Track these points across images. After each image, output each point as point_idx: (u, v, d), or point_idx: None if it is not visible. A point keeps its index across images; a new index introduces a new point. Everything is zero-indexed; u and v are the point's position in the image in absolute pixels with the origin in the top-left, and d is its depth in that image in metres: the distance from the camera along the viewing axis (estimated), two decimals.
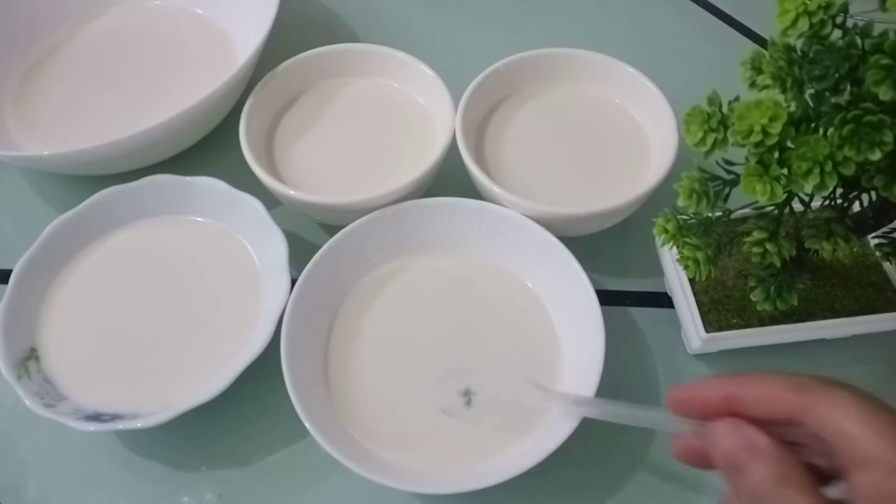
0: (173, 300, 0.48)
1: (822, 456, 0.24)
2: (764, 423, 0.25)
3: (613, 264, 0.51)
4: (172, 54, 0.62)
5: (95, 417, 0.42)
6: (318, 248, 0.45)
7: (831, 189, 0.32)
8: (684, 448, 0.28)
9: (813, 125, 0.31)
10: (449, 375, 0.44)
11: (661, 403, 0.45)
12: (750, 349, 0.44)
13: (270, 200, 0.49)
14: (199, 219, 0.51)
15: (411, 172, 0.47)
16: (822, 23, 0.29)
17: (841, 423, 0.22)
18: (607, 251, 0.51)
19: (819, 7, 0.29)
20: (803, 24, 0.29)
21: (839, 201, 0.36)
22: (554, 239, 0.45)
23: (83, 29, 0.65)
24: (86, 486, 0.44)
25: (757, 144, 0.31)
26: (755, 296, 0.40)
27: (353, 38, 0.65)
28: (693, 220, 0.38)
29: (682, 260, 0.38)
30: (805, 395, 0.23)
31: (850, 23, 0.30)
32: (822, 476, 0.24)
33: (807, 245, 0.36)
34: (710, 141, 0.33)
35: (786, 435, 0.24)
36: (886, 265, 0.44)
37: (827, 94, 0.30)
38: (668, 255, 0.45)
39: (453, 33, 0.66)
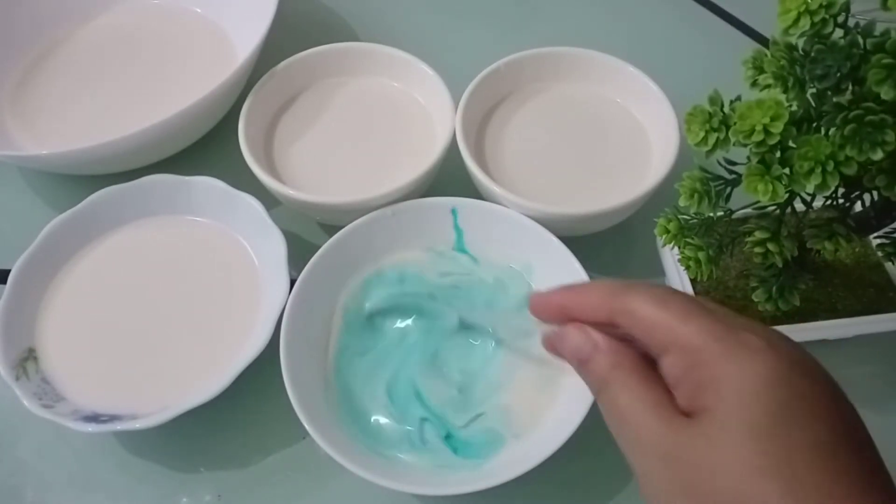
0: (172, 300, 0.48)
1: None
2: (599, 326, 0.29)
3: (614, 264, 0.51)
4: (171, 53, 0.62)
5: (94, 418, 0.41)
6: (317, 248, 0.45)
7: (833, 189, 0.32)
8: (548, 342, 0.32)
9: (815, 125, 0.31)
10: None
11: None
12: None
13: (270, 200, 0.49)
14: (197, 219, 0.51)
15: (411, 172, 0.47)
16: (824, 22, 0.29)
17: (642, 318, 0.26)
18: (608, 251, 0.51)
19: (820, 6, 0.29)
20: (805, 23, 0.29)
21: (841, 201, 0.35)
22: (554, 239, 0.45)
23: (82, 28, 0.64)
24: (84, 487, 0.44)
25: (758, 144, 0.31)
26: (757, 296, 0.40)
27: (353, 38, 0.65)
28: (694, 220, 0.38)
29: (684, 260, 0.38)
30: (615, 300, 0.28)
31: (851, 22, 0.30)
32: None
33: (809, 245, 0.35)
34: (711, 140, 0.33)
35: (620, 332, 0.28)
36: (888, 265, 0.44)
37: (829, 93, 0.30)
38: (670, 256, 0.45)
39: (453, 33, 0.66)
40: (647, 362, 0.27)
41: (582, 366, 0.29)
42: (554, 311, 0.31)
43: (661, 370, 0.26)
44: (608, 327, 0.28)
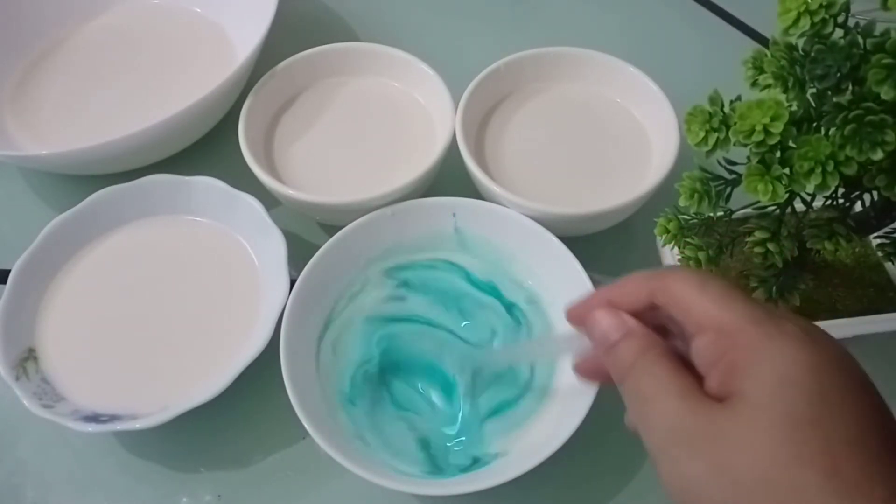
0: (172, 300, 0.48)
1: (682, 339, 0.28)
2: (636, 315, 0.29)
3: (614, 264, 0.50)
4: (171, 53, 0.62)
5: (94, 418, 0.41)
6: (317, 248, 0.45)
7: (833, 189, 0.32)
8: (584, 366, 0.33)
9: (815, 125, 0.31)
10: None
11: None
12: None
13: (270, 200, 0.49)
14: (198, 219, 0.51)
15: (411, 172, 0.47)
16: (824, 22, 0.29)
17: (680, 298, 0.26)
18: (608, 251, 0.51)
19: (820, 6, 0.29)
20: (805, 23, 0.29)
21: (841, 201, 0.35)
22: (554, 239, 0.45)
23: (82, 28, 0.64)
24: (84, 487, 0.44)
25: (759, 144, 0.31)
26: (757, 296, 0.39)
27: (353, 38, 0.65)
28: (694, 220, 0.38)
29: (684, 260, 0.38)
30: (655, 281, 0.28)
31: (851, 22, 0.30)
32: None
33: (808, 245, 0.35)
34: (711, 140, 0.32)
35: (655, 321, 0.28)
36: (888, 265, 0.44)
37: (829, 93, 0.30)
38: (670, 256, 0.45)
39: (453, 33, 0.66)
40: (677, 354, 0.27)
41: (610, 350, 0.28)
42: (597, 307, 0.30)
43: (693, 353, 0.26)
44: (646, 314, 0.28)
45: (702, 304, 0.26)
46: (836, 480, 0.21)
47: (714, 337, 0.25)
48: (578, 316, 0.31)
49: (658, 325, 0.28)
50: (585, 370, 0.33)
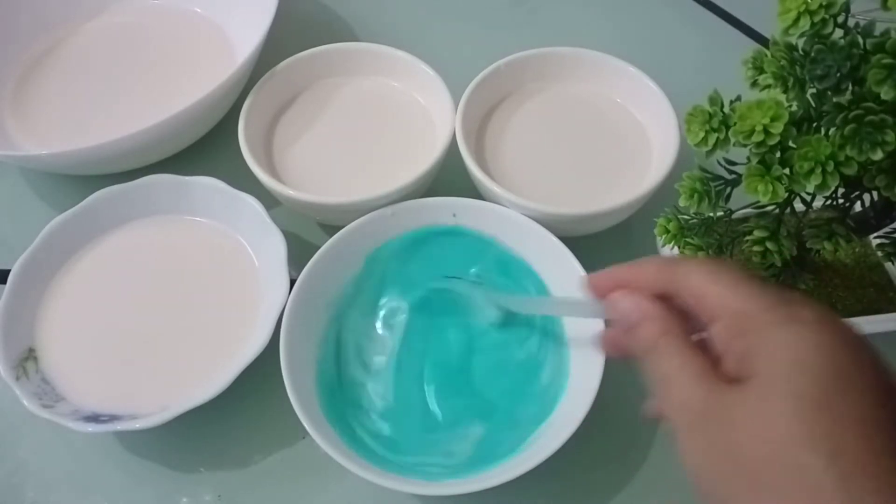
0: (172, 300, 0.48)
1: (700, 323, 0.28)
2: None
3: (614, 264, 0.50)
4: (171, 53, 0.62)
5: (94, 418, 0.41)
6: (317, 248, 0.45)
7: (833, 189, 0.32)
8: (607, 341, 0.34)
9: (815, 125, 0.31)
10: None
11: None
12: None
13: (270, 200, 0.49)
14: (198, 219, 0.51)
15: (411, 172, 0.47)
16: (824, 22, 0.29)
17: (695, 287, 0.27)
18: (608, 251, 0.50)
19: (820, 6, 0.29)
20: (805, 23, 0.29)
21: (841, 201, 0.35)
22: (554, 239, 0.45)
23: (81, 28, 0.65)
24: (84, 487, 0.44)
25: (759, 144, 0.31)
26: None
27: (353, 38, 0.65)
28: (694, 220, 0.38)
29: None
30: (669, 271, 0.29)
31: (851, 22, 0.30)
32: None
33: (808, 245, 0.35)
34: (711, 140, 0.32)
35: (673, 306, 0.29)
36: (888, 265, 0.44)
37: (829, 93, 0.30)
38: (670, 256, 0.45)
39: (453, 33, 0.66)
40: (694, 337, 0.28)
41: (630, 330, 0.29)
42: (611, 286, 0.31)
43: (711, 338, 0.27)
44: (664, 300, 0.29)
45: (716, 292, 0.27)
46: (841, 461, 0.21)
47: (728, 322, 0.26)
48: (597, 288, 0.32)
49: (678, 307, 0.29)
50: (608, 343, 0.34)
